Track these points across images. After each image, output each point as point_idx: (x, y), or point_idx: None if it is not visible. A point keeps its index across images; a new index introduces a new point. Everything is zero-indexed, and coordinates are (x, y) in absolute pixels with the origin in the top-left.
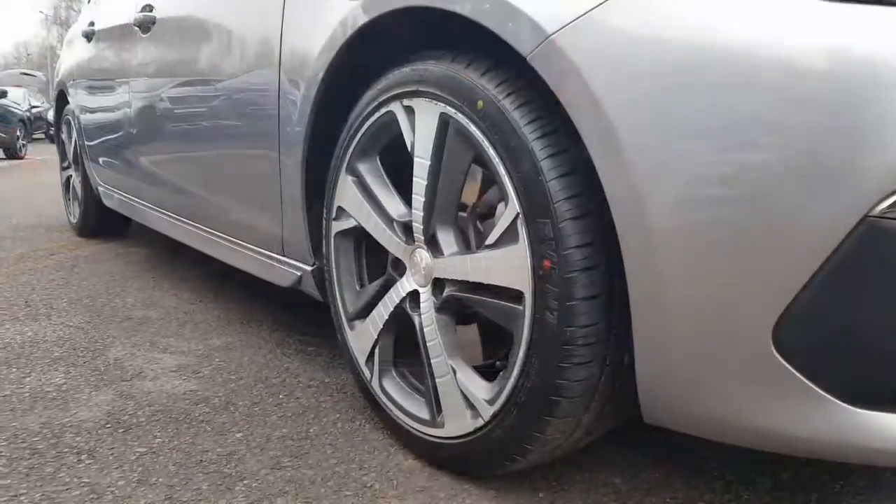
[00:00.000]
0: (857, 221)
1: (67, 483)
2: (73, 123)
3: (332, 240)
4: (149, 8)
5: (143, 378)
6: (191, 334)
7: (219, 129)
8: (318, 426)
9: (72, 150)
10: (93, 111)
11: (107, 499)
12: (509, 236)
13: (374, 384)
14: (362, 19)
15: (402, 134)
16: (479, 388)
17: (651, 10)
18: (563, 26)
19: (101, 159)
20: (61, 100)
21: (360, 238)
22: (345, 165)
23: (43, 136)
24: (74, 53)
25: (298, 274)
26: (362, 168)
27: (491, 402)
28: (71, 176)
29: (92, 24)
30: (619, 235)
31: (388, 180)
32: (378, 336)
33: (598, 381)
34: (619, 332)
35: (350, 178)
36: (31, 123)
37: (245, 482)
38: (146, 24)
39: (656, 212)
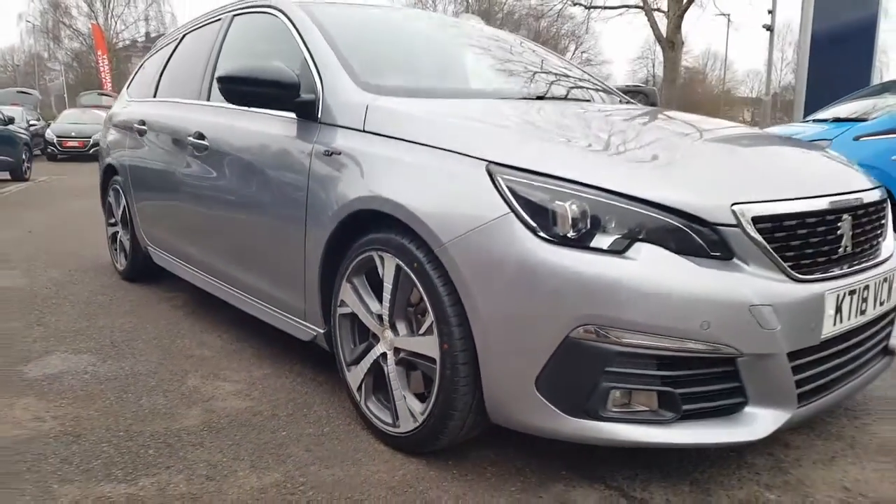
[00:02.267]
0: (565, 337)
1: (195, 460)
2: (121, 193)
3: (338, 318)
4: (201, 136)
5: (215, 399)
6: (238, 367)
7: (261, 239)
8: (329, 427)
9: (119, 213)
10: (146, 190)
11: (218, 469)
12: (429, 331)
13: (363, 404)
14: (345, 212)
15: (375, 267)
16: (416, 406)
17: (501, 239)
18: (452, 238)
19: (152, 228)
20: (110, 172)
21: (353, 319)
22: (345, 278)
23: (39, 152)
24: (124, 139)
25: (314, 333)
26: (355, 280)
27: (422, 413)
28: (118, 233)
29: (143, 122)
30: (472, 330)
31: (370, 289)
32: (364, 376)
33: (472, 401)
34: (478, 378)
35: (348, 285)
36: (32, 145)
37: (291, 458)
38: (200, 147)
39: (485, 316)
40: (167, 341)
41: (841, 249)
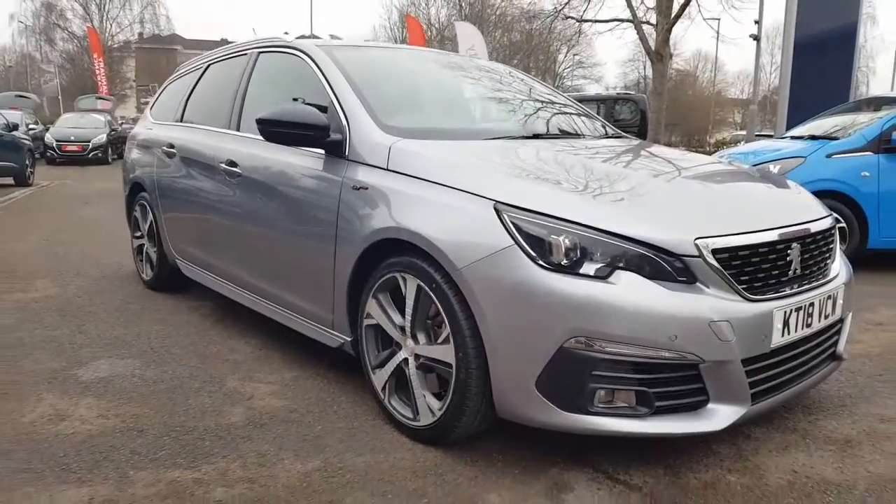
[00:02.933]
0: (560, 346)
1: (246, 450)
2: (148, 209)
3: (364, 329)
4: (233, 163)
5: (255, 399)
6: (269, 370)
7: (292, 257)
8: (357, 421)
9: (146, 227)
10: (176, 208)
11: (267, 458)
12: (446, 340)
13: (386, 401)
14: (372, 239)
15: (398, 287)
16: (434, 403)
17: (507, 265)
18: (466, 264)
19: (182, 243)
20: (137, 189)
21: (377, 329)
22: (371, 294)
23: (38, 156)
24: (152, 159)
25: (342, 341)
26: (380, 296)
27: (439, 409)
28: (144, 245)
29: (172, 146)
30: (483, 340)
31: (393, 303)
32: (388, 378)
33: (482, 400)
34: (487, 380)
35: (374, 300)
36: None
37: (328, 448)
38: (232, 173)
39: (494, 329)
40: (201, 347)
41: (790, 272)
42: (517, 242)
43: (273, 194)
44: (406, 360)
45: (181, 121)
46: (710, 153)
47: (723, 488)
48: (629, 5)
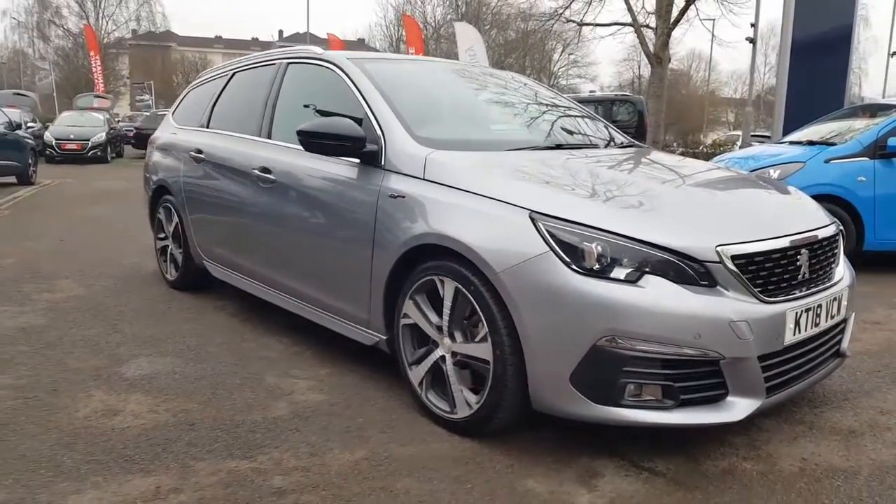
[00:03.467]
0: (592, 345)
1: (296, 441)
2: (173, 211)
3: (401, 328)
4: (266, 170)
5: (295, 394)
6: (304, 367)
7: (328, 260)
8: (395, 414)
9: (171, 229)
10: (204, 211)
11: (316, 448)
12: (483, 339)
13: (423, 396)
14: (410, 244)
15: (436, 289)
16: (471, 397)
17: (543, 270)
18: (504, 269)
19: (210, 245)
20: (161, 192)
21: (414, 328)
22: (408, 296)
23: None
24: (177, 163)
25: (377, 339)
26: (417, 298)
27: (476, 403)
28: (168, 246)
29: (200, 151)
30: (520, 339)
31: (430, 304)
32: (425, 373)
33: (518, 393)
34: (523, 376)
35: (411, 301)
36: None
37: (371, 439)
38: (266, 179)
39: (531, 328)
40: (234, 345)
41: (800, 276)
42: (552, 249)
43: (308, 200)
44: (443, 357)
45: (207, 126)
46: (708, 155)
47: (739, 474)
48: (629, 9)
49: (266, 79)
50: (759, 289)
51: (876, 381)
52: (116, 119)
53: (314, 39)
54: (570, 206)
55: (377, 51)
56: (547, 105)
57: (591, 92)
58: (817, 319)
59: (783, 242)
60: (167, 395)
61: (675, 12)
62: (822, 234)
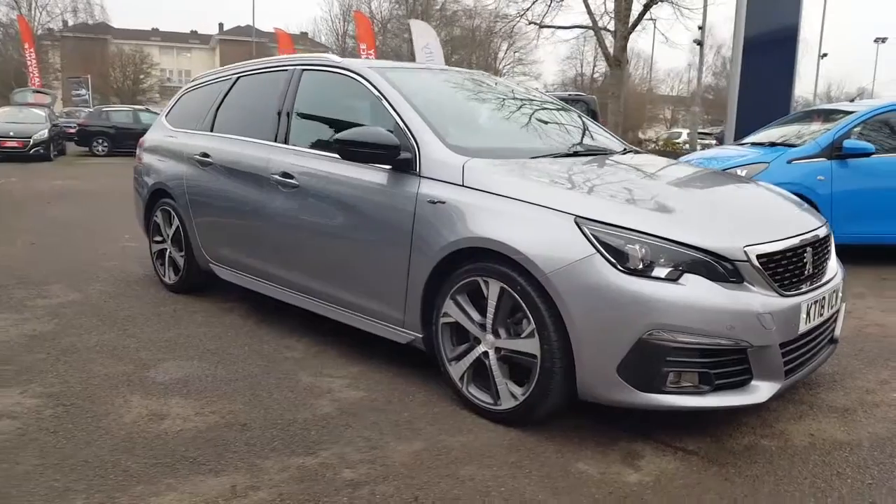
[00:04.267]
0: (638, 338)
1: (351, 437)
2: (173, 214)
3: (440, 326)
4: (287, 175)
5: (334, 391)
6: (334, 366)
7: (359, 263)
8: (437, 408)
9: (171, 233)
10: (213, 215)
11: (373, 442)
12: (530, 335)
13: (464, 390)
14: (452, 248)
15: (478, 289)
16: (516, 389)
17: (591, 270)
18: (553, 270)
19: (219, 248)
20: (158, 195)
21: (453, 326)
22: (448, 296)
23: None
24: (179, 166)
25: (412, 337)
26: (458, 297)
27: (522, 394)
28: (166, 249)
29: (206, 154)
30: (569, 334)
31: (471, 303)
32: (467, 369)
33: (564, 384)
34: (570, 366)
35: (451, 301)
36: None
37: (423, 431)
38: (287, 184)
39: (580, 324)
40: (256, 347)
41: (806, 272)
42: (598, 251)
43: (336, 205)
44: (485, 352)
45: (212, 130)
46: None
47: (760, 450)
48: (589, 13)
49: (278, 85)
50: (777, 283)
51: (856, 363)
52: (57, 115)
53: (259, 34)
54: (612, 211)
55: (323, 45)
56: (554, 113)
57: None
58: (822, 310)
59: (794, 241)
60: (208, 398)
61: (634, 16)
62: (820, 233)
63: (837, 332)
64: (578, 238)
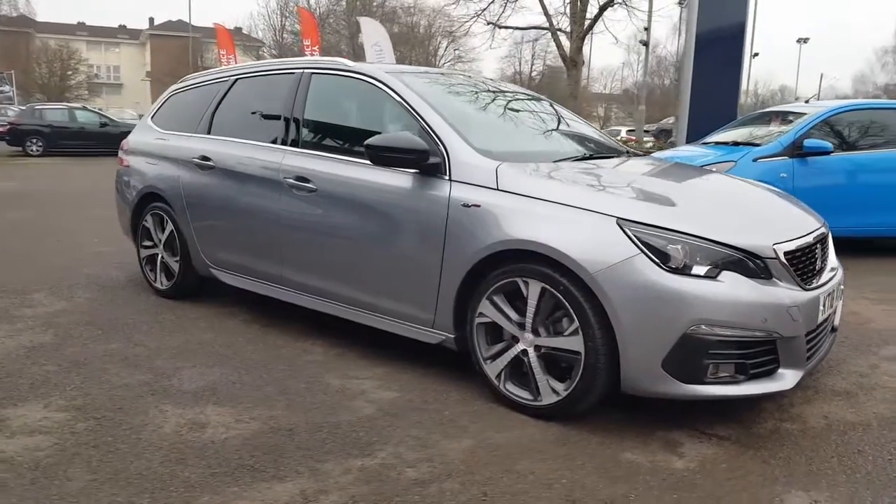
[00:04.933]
0: (683, 333)
1: (400, 436)
2: (166, 219)
3: (475, 326)
4: (303, 179)
5: (367, 393)
6: (358, 367)
7: (386, 267)
8: (475, 406)
9: (164, 237)
10: (217, 219)
11: (422, 440)
12: (573, 333)
13: (502, 387)
14: (490, 250)
15: (517, 289)
16: (558, 385)
17: (636, 270)
18: (599, 270)
19: (221, 253)
20: (149, 198)
21: (488, 326)
22: (484, 297)
23: None
24: (174, 169)
25: (443, 338)
26: (495, 298)
27: (565, 390)
28: (157, 255)
29: (207, 159)
30: (615, 331)
31: (508, 303)
32: (504, 367)
33: (605, 378)
34: (614, 361)
35: (487, 301)
36: None
37: (468, 428)
38: (303, 188)
39: (625, 322)
40: (273, 351)
41: (818, 266)
42: (642, 251)
43: (358, 208)
44: (524, 350)
45: (209, 133)
46: None
47: (784, 433)
48: (545, 14)
49: (284, 88)
50: (800, 278)
51: (844, 350)
52: None
53: (193, 29)
54: (652, 213)
55: (259, 40)
56: (560, 116)
57: None
58: (831, 301)
59: (809, 239)
60: (243, 405)
61: (589, 17)
62: (824, 230)
63: (837, 321)
64: (622, 239)
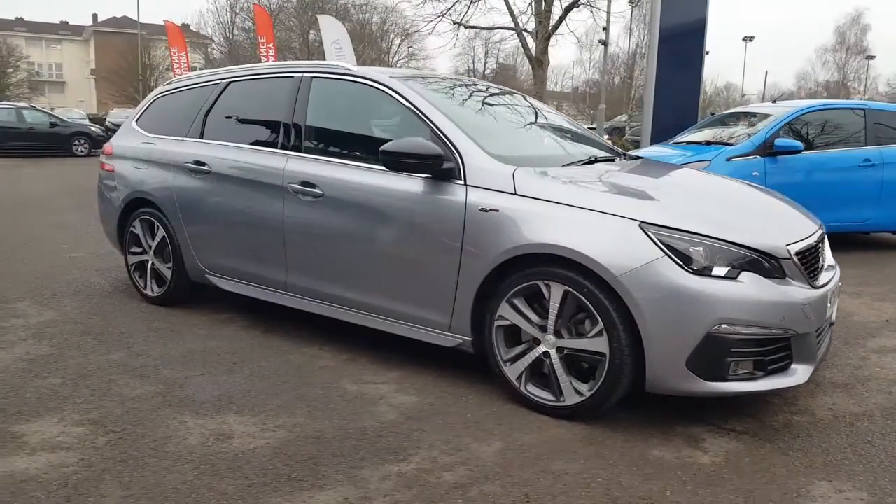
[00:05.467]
0: (707, 333)
1: (431, 441)
2: (157, 225)
3: (495, 329)
4: (308, 184)
5: (386, 398)
6: (371, 372)
7: (400, 272)
8: (495, 408)
9: (155, 243)
10: (212, 225)
11: (454, 444)
12: (598, 334)
13: (522, 389)
14: (510, 254)
15: (537, 292)
16: (582, 386)
17: (660, 272)
18: (623, 273)
19: (218, 259)
20: (136, 204)
21: (508, 328)
22: (504, 299)
23: None
24: (164, 174)
25: (459, 341)
26: (515, 301)
27: (589, 390)
28: (146, 261)
29: (202, 164)
30: (640, 332)
31: (529, 306)
32: (525, 369)
33: (630, 378)
34: (638, 362)
35: (507, 304)
36: None
37: (495, 430)
38: (310, 194)
39: (650, 322)
40: (280, 358)
41: (820, 265)
42: (666, 254)
43: (369, 213)
44: (546, 352)
45: (201, 137)
46: None
47: (796, 425)
48: (511, 14)
49: (283, 92)
50: (810, 277)
51: (835, 344)
52: None
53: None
54: (673, 216)
55: (208, 37)
56: (556, 119)
57: None
58: (834, 297)
59: (813, 239)
60: (264, 413)
61: (554, 17)
62: (823, 230)
63: (834, 315)
64: (645, 242)
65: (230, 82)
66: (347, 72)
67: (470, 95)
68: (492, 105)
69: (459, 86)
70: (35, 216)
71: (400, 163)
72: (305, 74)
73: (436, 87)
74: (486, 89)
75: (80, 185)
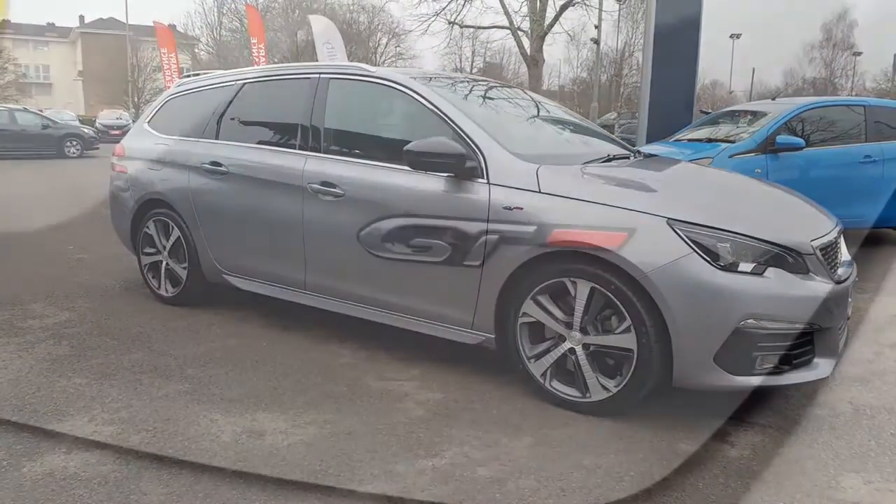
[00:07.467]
0: (735, 328)
1: (461, 436)
2: (172, 226)
3: (519, 326)
4: (329, 184)
5: (411, 394)
6: (393, 370)
7: (424, 271)
8: (520, 404)
9: (169, 244)
10: (230, 225)
11: (484, 439)
12: (626, 331)
13: (547, 385)
14: (534, 252)
15: (563, 289)
16: (609, 382)
17: (689, 268)
18: (653, 269)
19: (237, 259)
20: (151, 204)
21: (532, 325)
22: (529, 297)
23: None
24: (179, 175)
25: (483, 338)
26: (540, 298)
27: (616, 386)
28: (161, 261)
29: (218, 164)
30: (668, 328)
31: (553, 303)
32: (550, 365)
33: (658, 374)
34: (666, 358)
35: (531, 301)
36: None
37: (522, 426)
38: (331, 194)
39: (679, 318)
40: (302, 355)
41: (839, 260)
42: (694, 250)
43: (396, 214)
44: (572, 349)
45: (217, 138)
46: None
47: (818, 419)
48: (506, 13)
49: (301, 93)
50: (832, 272)
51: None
52: None
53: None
54: (698, 213)
55: (194, 37)
56: (573, 119)
57: None
58: (852, 292)
59: (834, 234)
60: (292, 410)
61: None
62: (840, 226)
63: (849, 310)
64: (673, 239)
65: (245, 83)
66: (366, 73)
67: (485, 94)
68: (507, 103)
69: (473, 85)
70: (37, 217)
71: (423, 162)
72: (322, 75)
73: (452, 87)
74: (500, 88)
75: (77, 186)
